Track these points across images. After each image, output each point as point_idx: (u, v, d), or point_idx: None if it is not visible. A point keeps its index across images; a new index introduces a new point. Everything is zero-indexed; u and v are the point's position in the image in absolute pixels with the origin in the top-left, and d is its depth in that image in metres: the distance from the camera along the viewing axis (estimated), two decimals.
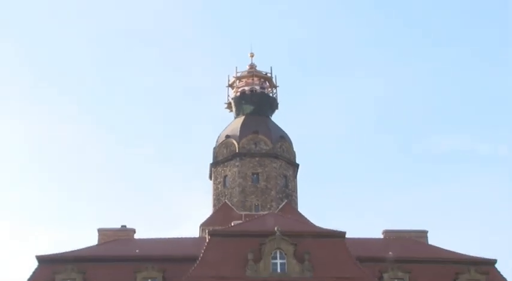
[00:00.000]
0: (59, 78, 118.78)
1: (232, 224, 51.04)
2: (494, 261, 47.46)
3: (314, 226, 50.10)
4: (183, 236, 52.93)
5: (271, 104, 70.41)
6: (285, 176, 65.66)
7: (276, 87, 71.08)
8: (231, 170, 65.14)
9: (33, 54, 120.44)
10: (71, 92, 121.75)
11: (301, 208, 63.76)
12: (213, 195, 65.76)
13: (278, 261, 43.40)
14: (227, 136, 66.81)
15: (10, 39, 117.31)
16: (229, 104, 70.74)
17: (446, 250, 49.79)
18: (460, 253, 49.08)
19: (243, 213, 59.85)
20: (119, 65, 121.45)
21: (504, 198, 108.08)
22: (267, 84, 71.08)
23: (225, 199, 64.12)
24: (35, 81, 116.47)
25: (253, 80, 70.54)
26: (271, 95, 70.92)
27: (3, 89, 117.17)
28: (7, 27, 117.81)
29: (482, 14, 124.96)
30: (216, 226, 52.72)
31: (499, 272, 47.17)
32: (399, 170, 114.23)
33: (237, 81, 70.91)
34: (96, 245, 50.37)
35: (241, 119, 68.37)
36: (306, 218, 56.54)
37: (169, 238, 51.49)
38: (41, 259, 46.00)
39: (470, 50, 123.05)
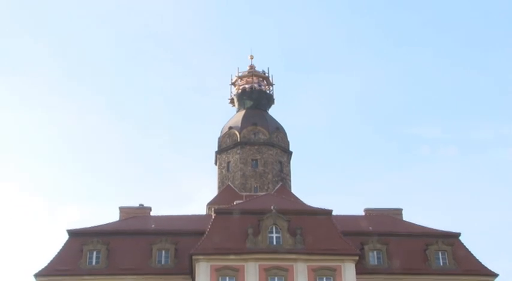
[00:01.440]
0: (88, 75, 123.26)
1: (235, 204, 51.63)
2: (458, 234, 48.74)
3: (305, 205, 50.91)
4: (192, 213, 54.27)
5: (268, 100, 70.49)
6: (280, 162, 65.72)
7: (272, 85, 71.31)
8: (234, 157, 65.40)
9: (65, 54, 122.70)
10: (97, 87, 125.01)
11: (294, 190, 64.26)
12: (218, 178, 66.14)
13: (274, 235, 44.36)
14: (230, 127, 67.19)
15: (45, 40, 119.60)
16: (232, 99, 70.94)
17: (418, 225, 50.88)
18: (429, 228, 50.18)
19: (244, 194, 60.27)
20: (139, 65, 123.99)
21: (466, 181, 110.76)
22: (265, 82, 71.04)
23: (228, 182, 64.50)
24: (69, 78, 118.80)
25: (252, 79, 70.52)
26: (268, 92, 70.86)
27: (42, 84, 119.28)
28: (42, 28, 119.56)
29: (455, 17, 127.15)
30: (221, 205, 53.63)
31: (462, 243, 48.40)
32: (378, 156, 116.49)
33: (239, 80, 70.97)
34: (118, 221, 51.44)
35: (242, 112, 68.50)
36: (298, 198, 56.71)
37: (180, 215, 52.56)
38: (71, 233, 47.50)
39: (433, 51, 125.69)
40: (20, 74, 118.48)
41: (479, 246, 72.55)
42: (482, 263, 47.17)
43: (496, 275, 46.28)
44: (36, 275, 44.65)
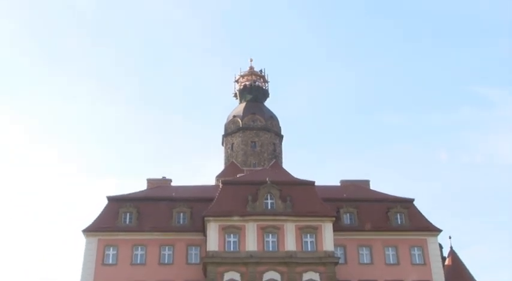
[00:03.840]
0: (123, 74, 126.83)
1: (238, 176, 53.07)
2: (412, 200, 50.67)
3: (293, 177, 51.54)
4: (204, 184, 55.47)
5: (264, 94, 69.91)
6: (274, 144, 65.41)
7: (267, 82, 70.62)
8: (237, 139, 65.17)
9: (107, 54, 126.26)
10: (130, 85, 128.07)
11: (285, 165, 64.13)
12: (224, 156, 66.08)
13: (269, 201, 45.91)
14: (234, 116, 67.01)
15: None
16: (235, 94, 70.45)
17: (382, 193, 52.67)
18: (390, 195, 51.97)
19: (245, 169, 59.86)
20: (164, 67, 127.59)
21: (419, 158, 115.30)
22: (261, 80, 70.38)
23: (232, 159, 64.35)
24: (107, 79, 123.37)
25: (252, 77, 70.04)
26: (264, 88, 70.09)
27: (89, 84, 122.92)
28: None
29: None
30: (226, 177, 53.96)
31: (415, 207, 50.38)
32: (352, 138, 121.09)
33: (241, 78, 70.53)
34: (145, 189, 52.81)
35: (243, 104, 68.08)
36: (288, 172, 55.95)
37: (194, 185, 53.65)
38: (110, 198, 49.28)
39: (399, 52, 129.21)
40: (78, 75, 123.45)
41: (429, 209, 75.51)
42: (430, 221, 49.02)
43: (439, 230, 48.33)
44: (84, 231, 46.64)
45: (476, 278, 52.71)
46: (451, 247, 54.85)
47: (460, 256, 54.56)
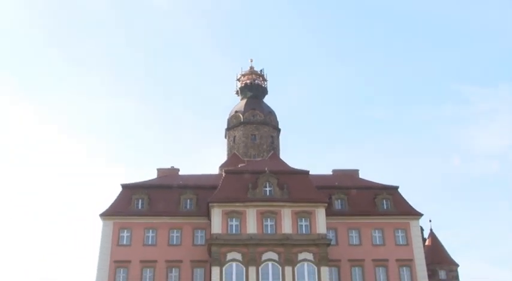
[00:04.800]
0: (140, 77, 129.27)
1: (239, 166, 53.44)
2: (397, 187, 51.69)
3: (290, 167, 51.92)
4: (209, 173, 56.24)
5: (263, 92, 69.46)
6: (272, 136, 65.09)
7: (266, 80, 70.20)
8: (238, 133, 64.93)
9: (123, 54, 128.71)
10: (145, 85, 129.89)
11: (282, 156, 63.62)
12: (227, 148, 65.88)
13: (267, 189, 46.64)
14: (236, 111, 66.96)
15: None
16: (237, 91, 69.97)
17: (370, 181, 53.64)
18: (377, 183, 52.99)
19: (246, 159, 59.90)
20: (171, 69, 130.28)
21: (404, 150, 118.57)
22: (261, 79, 69.96)
23: (234, 151, 64.00)
24: (129, 78, 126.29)
25: (252, 76, 69.71)
26: (263, 85, 69.71)
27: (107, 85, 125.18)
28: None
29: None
30: (229, 167, 54.22)
31: (400, 193, 51.37)
32: (343, 130, 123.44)
33: (242, 77, 70.17)
34: (156, 178, 53.52)
35: (244, 100, 67.87)
36: (284, 162, 55.23)
37: (200, 174, 54.43)
38: (124, 186, 50.33)
39: (384, 54, 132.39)
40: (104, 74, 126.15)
41: (412, 195, 77.24)
42: (413, 207, 50.03)
43: (421, 214, 49.45)
44: (101, 215, 47.74)
45: (452, 256, 55.17)
46: (431, 229, 57.31)
47: (439, 237, 56.82)
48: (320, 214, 45.86)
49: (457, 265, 55.08)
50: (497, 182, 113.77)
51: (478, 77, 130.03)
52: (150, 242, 47.30)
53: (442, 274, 53.61)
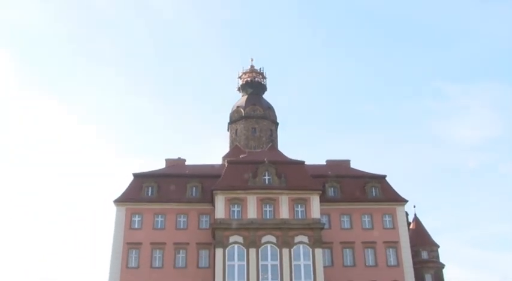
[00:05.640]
0: (151, 75, 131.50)
1: (241, 157, 54.19)
2: (385, 176, 52.31)
3: (287, 157, 52.88)
4: (212, 163, 56.79)
5: (263, 88, 69.88)
6: (271, 130, 65.65)
7: (265, 78, 70.64)
8: (240, 126, 65.49)
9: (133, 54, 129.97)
10: (155, 83, 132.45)
11: (280, 148, 64.40)
12: (229, 140, 66.29)
13: (266, 177, 47.52)
14: (238, 106, 67.45)
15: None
16: (239, 88, 70.38)
17: (360, 170, 54.37)
18: (367, 172, 53.70)
19: (247, 150, 60.57)
20: (179, 68, 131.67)
21: (391, 142, 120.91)
22: (261, 76, 70.44)
23: (236, 143, 64.51)
24: (139, 76, 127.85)
25: (252, 74, 70.19)
26: (263, 83, 70.05)
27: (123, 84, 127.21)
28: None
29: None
30: (231, 158, 54.79)
31: (387, 182, 52.05)
32: (336, 123, 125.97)
33: (243, 75, 70.65)
34: (164, 167, 54.06)
35: (245, 96, 68.37)
36: (282, 153, 56.30)
37: (205, 164, 55.12)
38: (135, 175, 51.03)
39: (374, 54, 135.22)
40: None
41: (398, 183, 78.93)
42: (399, 194, 50.79)
43: (406, 201, 50.42)
44: (115, 202, 48.71)
45: (433, 238, 56.84)
46: (415, 214, 59.20)
47: (422, 221, 58.53)
48: (314, 200, 46.75)
49: (438, 246, 56.35)
50: (475, 170, 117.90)
51: (457, 75, 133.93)
52: (159, 226, 48.24)
53: (424, 254, 55.18)
